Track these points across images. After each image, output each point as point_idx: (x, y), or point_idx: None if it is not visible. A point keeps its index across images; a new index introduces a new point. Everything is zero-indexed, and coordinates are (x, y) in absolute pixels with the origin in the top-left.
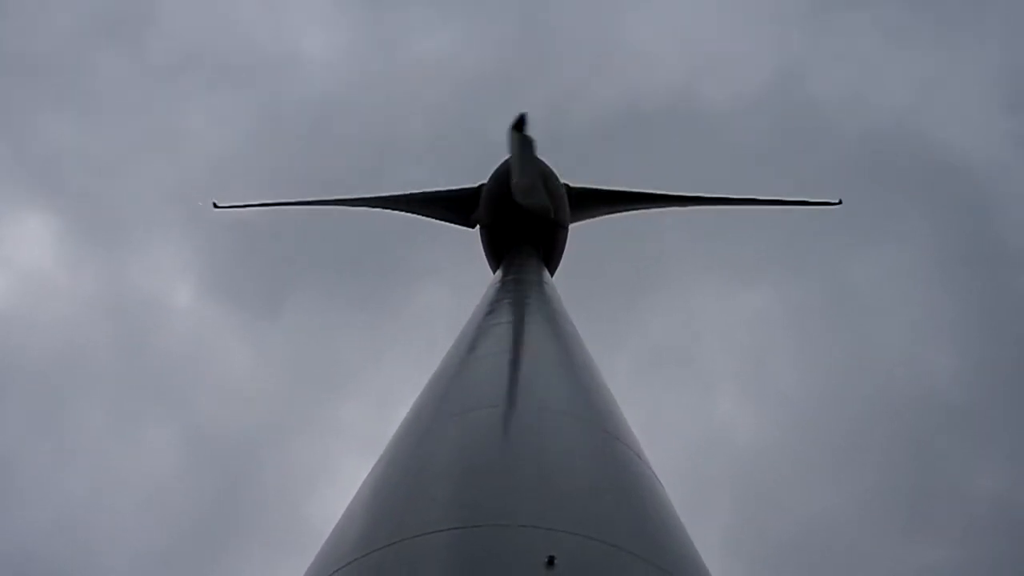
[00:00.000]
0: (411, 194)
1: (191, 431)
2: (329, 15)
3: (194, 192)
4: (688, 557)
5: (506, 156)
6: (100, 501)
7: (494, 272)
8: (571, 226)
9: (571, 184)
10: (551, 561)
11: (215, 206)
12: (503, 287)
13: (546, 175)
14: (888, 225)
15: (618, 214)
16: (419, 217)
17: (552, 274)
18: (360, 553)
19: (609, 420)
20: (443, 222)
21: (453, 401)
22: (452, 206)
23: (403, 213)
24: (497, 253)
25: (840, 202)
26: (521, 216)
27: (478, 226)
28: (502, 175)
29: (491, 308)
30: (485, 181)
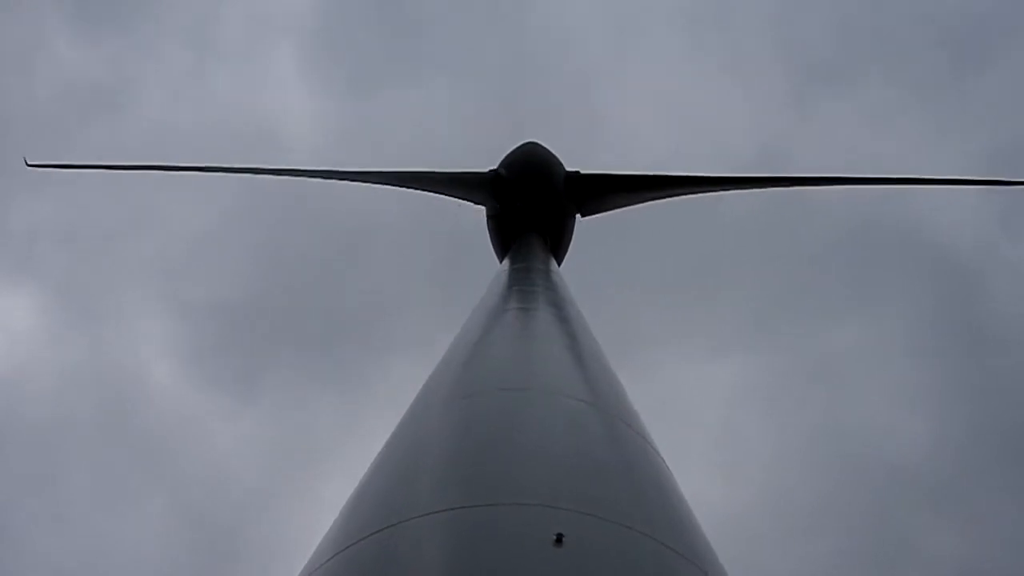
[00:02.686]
0: (423, 172)
1: (174, 503)
2: (308, 94)
3: (172, 271)
4: (695, 536)
5: (517, 144)
6: (91, 569)
7: (500, 261)
8: (592, 218)
9: (582, 171)
10: (559, 539)
11: (27, 164)
12: (510, 275)
13: (551, 163)
14: (867, 299)
15: (640, 203)
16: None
17: (560, 264)
18: (366, 533)
19: (616, 403)
20: (455, 199)
21: (460, 385)
22: (466, 187)
23: (410, 190)
24: (504, 241)
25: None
26: (528, 204)
27: (485, 211)
28: (511, 164)
29: (499, 295)
30: (496, 167)
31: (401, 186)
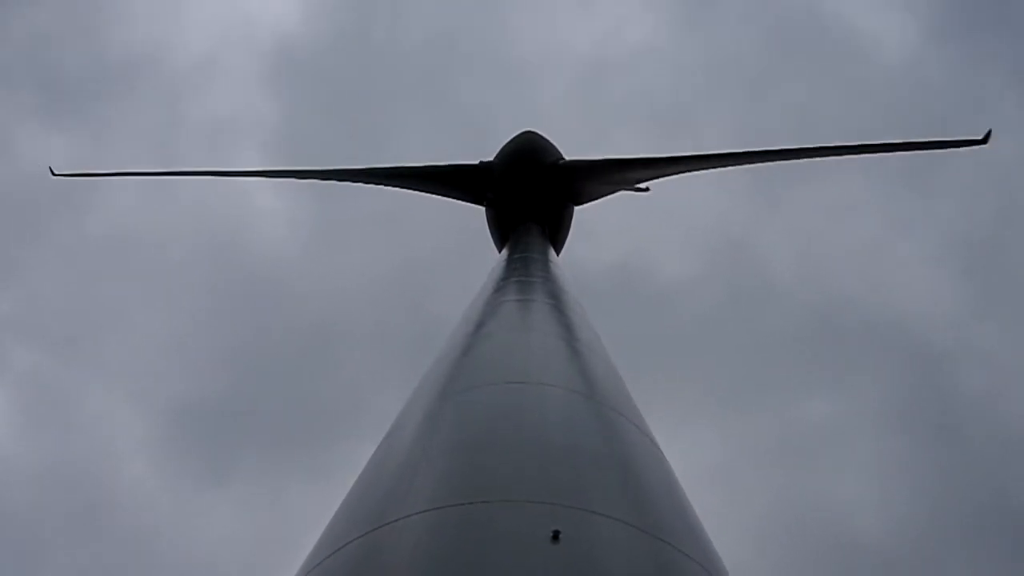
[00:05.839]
0: (414, 167)
1: None
2: (274, 195)
3: (140, 370)
4: (693, 531)
5: (512, 135)
6: None
7: (499, 250)
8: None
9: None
10: (555, 536)
11: (52, 173)
12: (509, 265)
13: (538, 152)
14: (835, 380)
15: (626, 188)
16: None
17: (558, 252)
18: (363, 531)
19: (614, 396)
20: (447, 198)
21: (459, 378)
22: (456, 182)
23: (404, 190)
24: (503, 231)
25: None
26: (527, 194)
27: (484, 203)
28: (509, 154)
29: (497, 286)
30: (489, 159)
31: (393, 185)
